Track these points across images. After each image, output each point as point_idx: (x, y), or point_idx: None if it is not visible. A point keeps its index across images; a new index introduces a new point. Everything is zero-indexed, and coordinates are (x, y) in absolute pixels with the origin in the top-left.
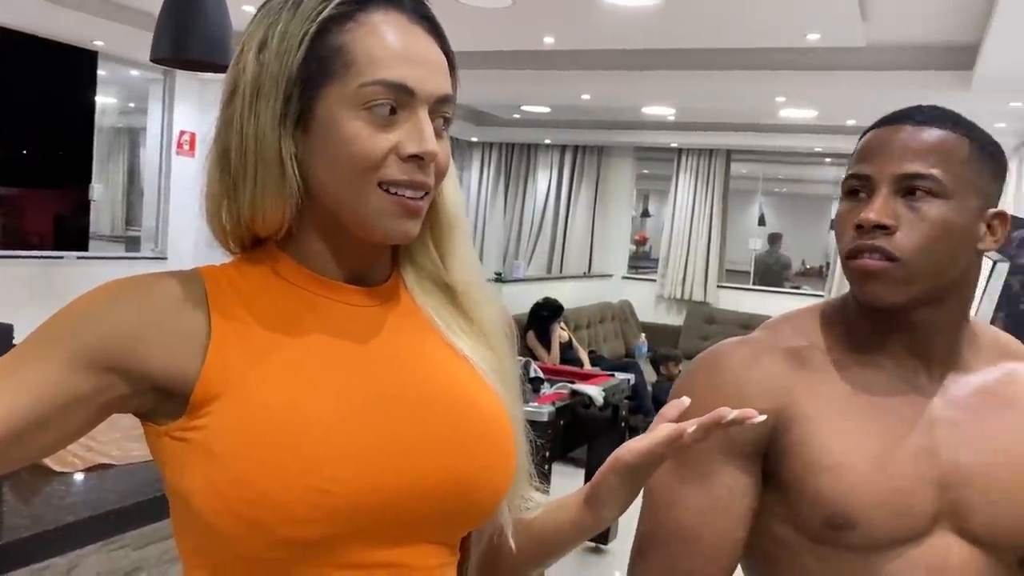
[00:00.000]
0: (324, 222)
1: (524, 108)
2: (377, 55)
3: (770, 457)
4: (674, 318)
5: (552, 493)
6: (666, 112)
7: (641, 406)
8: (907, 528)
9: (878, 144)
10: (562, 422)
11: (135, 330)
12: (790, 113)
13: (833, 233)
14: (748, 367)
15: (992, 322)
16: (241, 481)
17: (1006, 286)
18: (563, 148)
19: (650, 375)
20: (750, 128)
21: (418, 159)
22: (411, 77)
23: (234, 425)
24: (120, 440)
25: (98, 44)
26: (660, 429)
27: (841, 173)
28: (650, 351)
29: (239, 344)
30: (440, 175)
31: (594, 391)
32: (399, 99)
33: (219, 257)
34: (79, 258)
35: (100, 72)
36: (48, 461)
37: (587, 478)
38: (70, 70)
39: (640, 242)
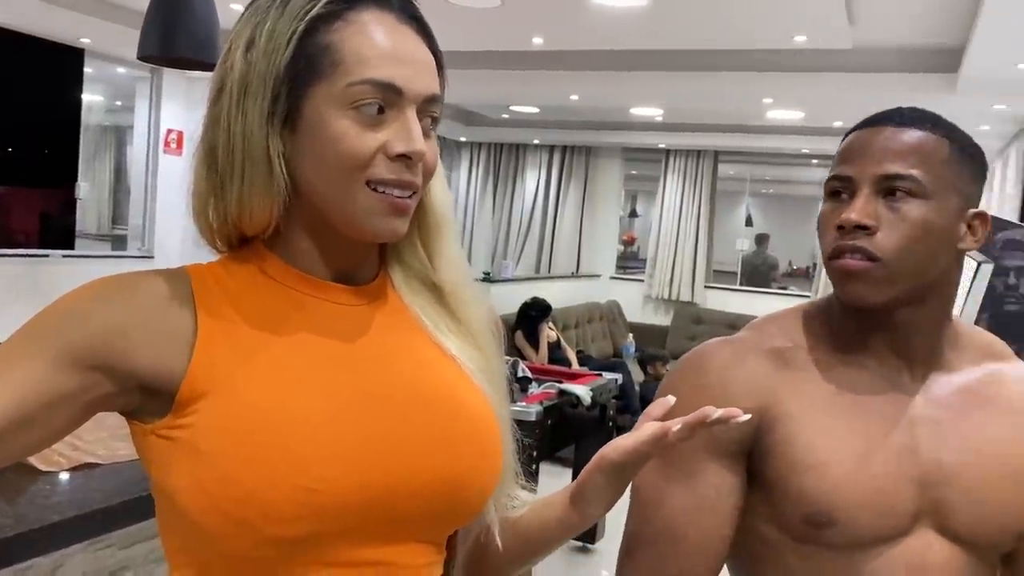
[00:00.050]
0: (312, 221)
1: (513, 108)
2: (365, 54)
3: (754, 456)
4: (662, 318)
5: (540, 492)
6: (654, 113)
7: (629, 406)
8: (888, 526)
9: (859, 146)
10: (550, 422)
11: (121, 328)
12: (777, 114)
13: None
14: (733, 367)
15: (976, 323)
16: (227, 479)
17: (990, 287)
18: (551, 148)
19: (638, 375)
20: (737, 129)
21: (406, 158)
22: (399, 76)
23: (220, 423)
24: (106, 439)
25: (85, 42)
26: (645, 428)
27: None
28: (638, 351)
29: (226, 342)
30: (428, 174)
31: (582, 391)
32: (387, 98)
33: (206, 256)
34: (65, 256)
35: (87, 70)
36: (33, 460)
37: (574, 477)
38: (57, 68)
39: (628, 242)
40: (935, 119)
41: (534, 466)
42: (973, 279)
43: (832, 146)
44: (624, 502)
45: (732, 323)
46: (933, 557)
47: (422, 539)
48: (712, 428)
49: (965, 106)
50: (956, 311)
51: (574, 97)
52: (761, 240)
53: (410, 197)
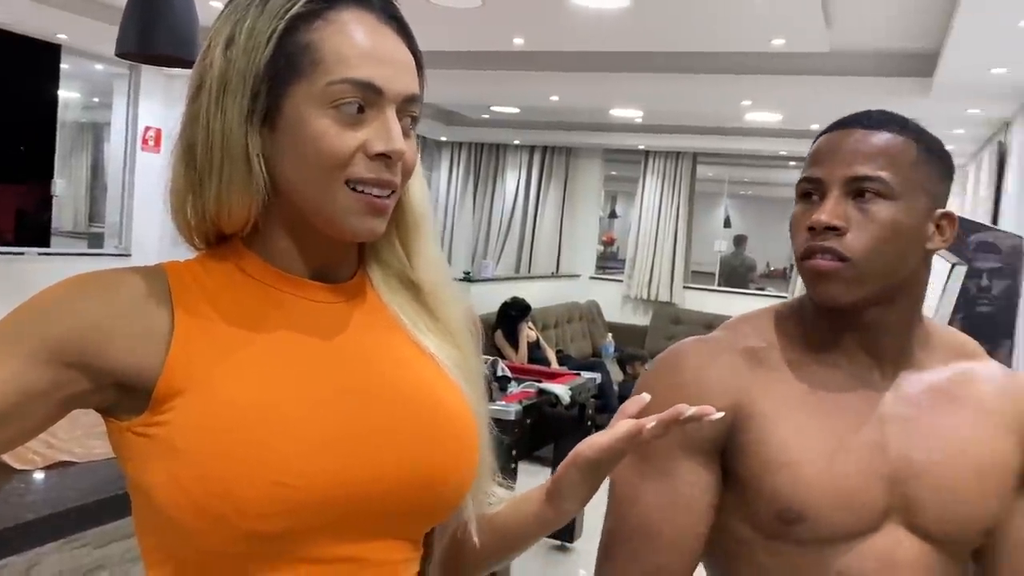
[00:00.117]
0: (290, 219)
1: (493, 108)
2: (345, 54)
3: (728, 454)
4: (640, 318)
5: (518, 491)
6: (634, 114)
7: (607, 405)
8: (857, 522)
9: (829, 148)
10: (529, 421)
11: (97, 325)
12: (755, 117)
13: None
14: (707, 366)
15: (950, 324)
16: (204, 476)
17: (963, 289)
18: (532, 149)
19: (617, 374)
20: (716, 131)
21: (385, 158)
22: (379, 76)
23: (197, 420)
24: (81, 438)
25: (61, 38)
26: (620, 425)
27: None
28: (617, 351)
29: (203, 340)
30: (407, 174)
31: (561, 390)
32: (367, 98)
33: (184, 254)
34: (40, 254)
35: (63, 66)
36: (7, 458)
37: None
38: (32, 63)
39: (608, 243)
40: (903, 121)
41: (513, 465)
42: (947, 281)
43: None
44: (603, 502)
45: (710, 323)
46: (902, 553)
47: (399, 535)
48: (686, 426)
49: (940, 110)
50: (931, 312)
51: (554, 98)
52: (739, 241)
53: (389, 196)
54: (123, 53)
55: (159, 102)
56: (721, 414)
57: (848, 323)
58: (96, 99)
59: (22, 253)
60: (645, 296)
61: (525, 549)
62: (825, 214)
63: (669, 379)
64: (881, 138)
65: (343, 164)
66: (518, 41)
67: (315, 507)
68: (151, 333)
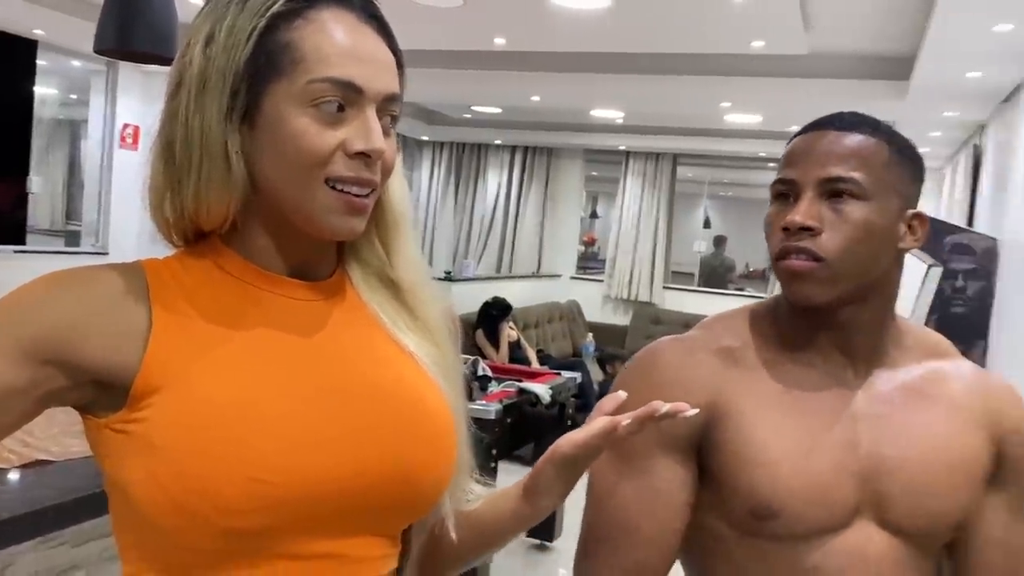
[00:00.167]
0: (269, 217)
1: (475, 108)
2: (326, 52)
3: (703, 451)
4: (621, 318)
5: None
6: (614, 115)
7: (588, 404)
8: (829, 518)
9: (803, 150)
10: (509, 420)
11: (74, 322)
12: (735, 118)
13: None
14: (683, 364)
15: (926, 324)
16: (182, 473)
17: (939, 290)
18: (513, 149)
19: (597, 374)
20: (696, 133)
21: (365, 156)
22: (359, 75)
23: (175, 417)
24: (58, 436)
25: (38, 33)
26: (596, 422)
27: None
28: (597, 350)
29: (181, 336)
30: (387, 172)
31: (541, 389)
32: (347, 97)
33: (162, 253)
34: (16, 252)
35: (40, 62)
36: None
37: None
38: (8, 59)
39: (589, 243)
40: (875, 123)
41: (493, 464)
42: (923, 282)
43: None
44: (582, 501)
45: (689, 323)
46: (873, 548)
47: (377, 532)
48: (662, 423)
49: (916, 113)
50: (907, 313)
51: (535, 98)
52: (719, 242)
53: (368, 195)
54: (101, 50)
55: (137, 99)
56: (695, 411)
57: (822, 322)
58: (73, 96)
59: None
60: (625, 296)
61: (502, 545)
62: (800, 215)
63: (646, 377)
64: (854, 140)
65: (323, 162)
66: (499, 41)
67: (293, 504)
68: (129, 330)
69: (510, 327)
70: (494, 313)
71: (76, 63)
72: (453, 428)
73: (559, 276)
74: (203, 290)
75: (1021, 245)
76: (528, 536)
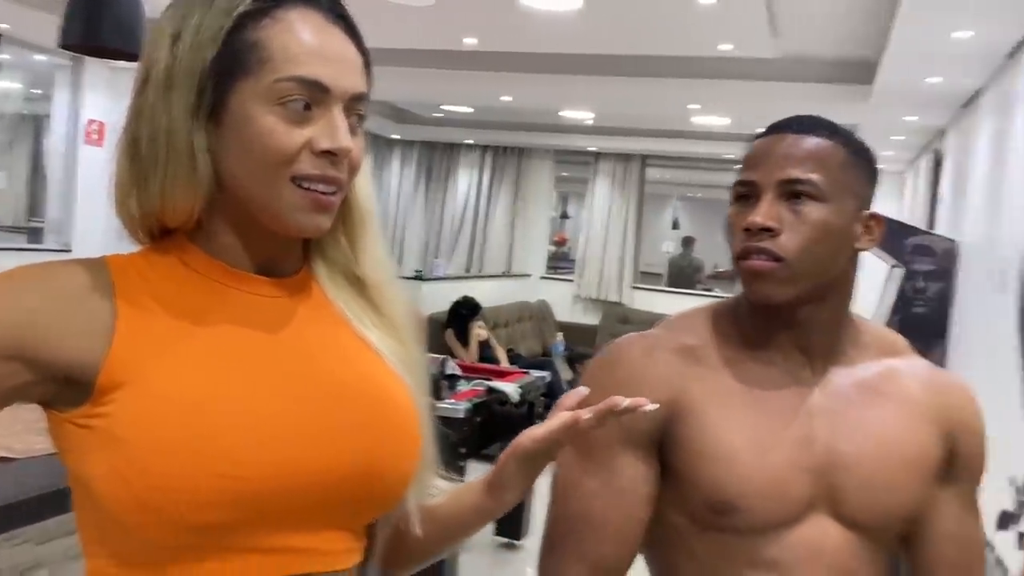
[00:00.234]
0: (235, 214)
1: (445, 107)
2: (293, 52)
3: (664, 447)
4: (590, 318)
5: None
6: (585, 116)
7: None
8: (785, 512)
9: (762, 152)
10: (478, 419)
11: (37, 318)
12: (704, 120)
13: None
14: (644, 361)
15: (888, 324)
16: (145, 467)
17: (901, 291)
18: (484, 148)
19: (566, 373)
20: (665, 134)
21: (331, 155)
22: (326, 74)
23: (139, 412)
24: (21, 433)
25: (2, 27)
26: (557, 416)
27: None
28: (567, 350)
29: (145, 332)
30: (353, 171)
31: (510, 388)
32: (313, 96)
33: (127, 251)
34: None
35: (3, 56)
36: None
37: None
38: None
39: (559, 243)
40: (832, 126)
41: (461, 463)
42: (886, 283)
43: None
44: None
45: (657, 323)
46: (829, 541)
47: (341, 526)
48: (623, 419)
49: (879, 117)
50: (869, 314)
51: (506, 98)
52: (687, 243)
53: (335, 193)
54: (67, 45)
55: (103, 95)
56: (655, 406)
57: (782, 321)
58: (37, 91)
59: None
60: (595, 296)
61: (465, 539)
62: (760, 216)
63: (608, 374)
64: (812, 142)
65: (289, 161)
66: (470, 41)
67: (258, 499)
68: (93, 325)
69: (480, 327)
70: (464, 312)
71: (40, 57)
72: (418, 424)
73: (529, 276)
74: (168, 286)
75: (979, 247)
76: (496, 535)
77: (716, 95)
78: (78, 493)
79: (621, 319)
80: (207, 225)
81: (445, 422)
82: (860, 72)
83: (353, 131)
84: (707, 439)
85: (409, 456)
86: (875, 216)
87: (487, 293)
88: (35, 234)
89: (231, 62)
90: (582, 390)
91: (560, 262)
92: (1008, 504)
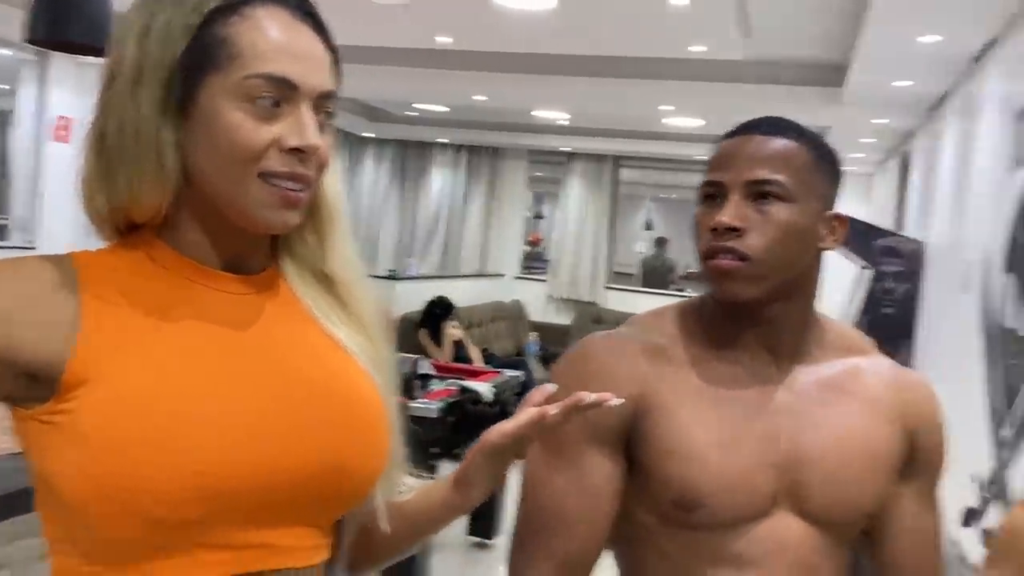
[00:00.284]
0: (203, 210)
1: (418, 106)
2: (262, 49)
3: (631, 443)
4: (564, 318)
5: None
6: (558, 116)
7: None
8: (750, 507)
9: (729, 153)
10: (450, 418)
11: (2, 314)
12: (676, 122)
13: None
14: (612, 359)
15: (858, 325)
16: (110, 463)
17: (870, 292)
18: (458, 148)
19: (540, 373)
20: (638, 136)
21: (299, 152)
22: (294, 72)
23: (104, 408)
24: None
25: None
26: (525, 412)
27: None
28: (541, 349)
29: (111, 328)
30: (322, 168)
31: (483, 388)
32: (282, 93)
33: (94, 248)
34: None
35: None
36: None
37: None
38: None
39: (534, 243)
40: (798, 128)
41: (433, 462)
42: (856, 284)
43: None
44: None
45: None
46: (792, 536)
47: (309, 522)
48: (590, 416)
49: (849, 119)
50: (840, 314)
51: (480, 97)
52: (660, 243)
53: (302, 191)
54: (33, 40)
55: (70, 91)
56: (620, 401)
57: (748, 319)
58: (4, 86)
59: None
60: (568, 296)
61: (432, 535)
62: (727, 216)
63: (576, 371)
64: (778, 143)
65: (256, 157)
66: (444, 40)
67: (224, 495)
68: (58, 320)
69: (454, 326)
70: (438, 312)
71: (4, 52)
72: (386, 421)
73: (503, 276)
74: (135, 282)
75: (945, 248)
76: (468, 534)
77: (688, 97)
78: (43, 491)
79: (595, 319)
80: (175, 221)
81: (418, 421)
82: (831, 75)
83: (322, 128)
84: (673, 436)
85: (377, 453)
86: (839, 217)
87: (461, 293)
88: None
89: (200, 58)
90: (549, 387)
91: (534, 262)
92: (972, 501)
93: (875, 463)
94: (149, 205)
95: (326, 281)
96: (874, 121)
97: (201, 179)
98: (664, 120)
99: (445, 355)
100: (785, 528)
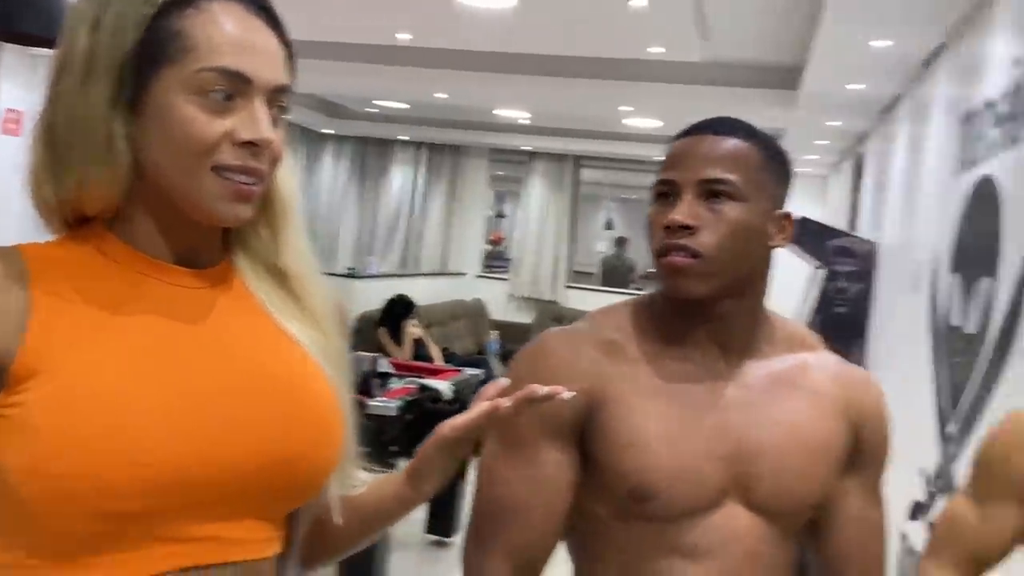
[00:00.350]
0: (155, 202)
1: (379, 102)
2: (216, 42)
3: (585, 436)
4: (525, 316)
5: None
6: (520, 116)
7: None
8: (700, 499)
9: (682, 152)
10: (409, 417)
11: None
12: (635, 123)
13: None
14: (567, 354)
15: (811, 324)
16: (61, 456)
17: (823, 291)
18: (419, 145)
19: (500, 372)
20: (599, 136)
21: (252, 146)
22: (248, 66)
23: (54, 400)
24: None
25: None
26: (478, 406)
27: None
28: (501, 348)
29: (61, 321)
30: (275, 163)
31: (443, 386)
32: (235, 87)
33: (44, 241)
34: None
35: None
36: None
37: None
38: None
39: (496, 242)
40: (749, 128)
41: (392, 460)
42: (810, 284)
43: None
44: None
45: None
46: (741, 527)
47: (260, 516)
48: (545, 409)
49: (805, 121)
50: (793, 313)
51: (441, 95)
52: (621, 243)
53: (255, 184)
54: None
55: (21, 84)
56: (572, 394)
57: (699, 315)
58: None
59: None
60: (529, 295)
61: (386, 528)
62: (680, 214)
63: (532, 366)
64: (730, 144)
65: (210, 150)
66: (404, 36)
67: (174, 488)
68: (7, 313)
69: (414, 325)
70: (398, 311)
71: None
72: (339, 414)
73: (464, 274)
74: (85, 276)
75: (896, 248)
76: (427, 532)
77: (647, 98)
78: None
79: (555, 318)
80: (126, 213)
81: (376, 420)
82: (786, 78)
83: (275, 123)
84: (626, 429)
85: (329, 445)
86: (788, 216)
87: (422, 291)
88: None
89: (153, 50)
90: (503, 381)
91: (496, 261)
92: (919, 495)
93: (821, 456)
94: (99, 197)
95: (279, 275)
96: (828, 123)
97: (154, 172)
98: (624, 121)
99: (405, 354)
100: (735, 519)
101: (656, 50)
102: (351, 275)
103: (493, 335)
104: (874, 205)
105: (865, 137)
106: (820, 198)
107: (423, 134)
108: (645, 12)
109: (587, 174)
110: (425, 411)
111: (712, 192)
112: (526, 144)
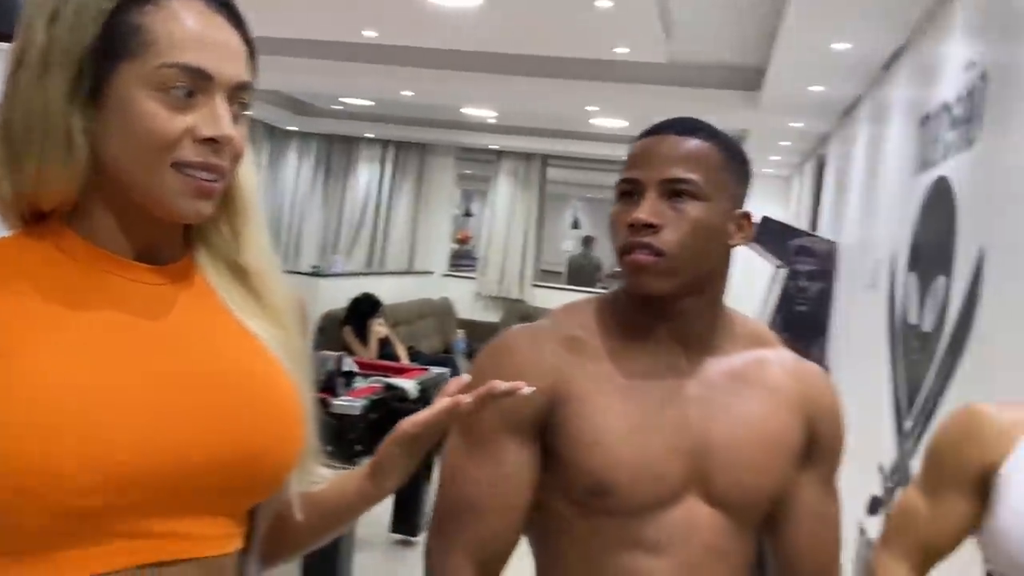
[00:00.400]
0: (115, 197)
1: (344, 100)
2: (177, 38)
3: (547, 432)
4: (492, 315)
5: None
6: (487, 114)
7: None
8: (660, 493)
9: (645, 152)
10: (374, 416)
11: None
12: (601, 122)
13: None
14: (530, 351)
15: (772, 323)
16: (17, 450)
17: (784, 290)
18: (386, 143)
19: (467, 370)
20: (565, 135)
21: (213, 142)
22: (209, 62)
23: (12, 396)
24: None
25: None
26: (440, 402)
27: None
28: (468, 347)
29: (18, 316)
30: (236, 159)
31: (409, 385)
32: (196, 83)
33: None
34: None
35: None
36: None
37: None
38: None
39: (463, 241)
40: (710, 129)
41: (356, 460)
42: (771, 282)
43: None
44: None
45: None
46: (700, 521)
47: (220, 511)
48: (507, 406)
49: (768, 123)
50: (755, 311)
51: (407, 93)
52: (587, 242)
53: (216, 181)
54: None
55: None
56: (532, 389)
57: (661, 313)
58: None
59: None
60: (496, 294)
61: (347, 524)
62: (644, 212)
63: (495, 362)
64: (692, 144)
65: (170, 146)
66: (369, 33)
67: (133, 483)
68: None
69: (380, 324)
70: (364, 309)
71: None
72: (299, 410)
73: (431, 273)
74: (42, 272)
75: (856, 248)
76: (392, 531)
77: (612, 97)
78: None
79: (523, 316)
80: (85, 209)
81: (341, 419)
82: (750, 79)
83: (236, 119)
84: (587, 425)
85: (290, 442)
86: (747, 215)
87: (388, 290)
88: None
89: (113, 44)
90: (464, 377)
91: (463, 260)
92: (877, 490)
93: (778, 450)
94: (57, 192)
95: (240, 272)
96: (791, 124)
97: (114, 167)
98: (591, 120)
99: (371, 353)
100: (695, 513)
101: (622, 50)
102: (316, 273)
103: (460, 334)
104: (835, 205)
105: (827, 138)
106: (783, 198)
107: (389, 132)
108: (611, 12)
109: (554, 173)
110: (391, 410)
111: (675, 191)
112: (493, 143)
